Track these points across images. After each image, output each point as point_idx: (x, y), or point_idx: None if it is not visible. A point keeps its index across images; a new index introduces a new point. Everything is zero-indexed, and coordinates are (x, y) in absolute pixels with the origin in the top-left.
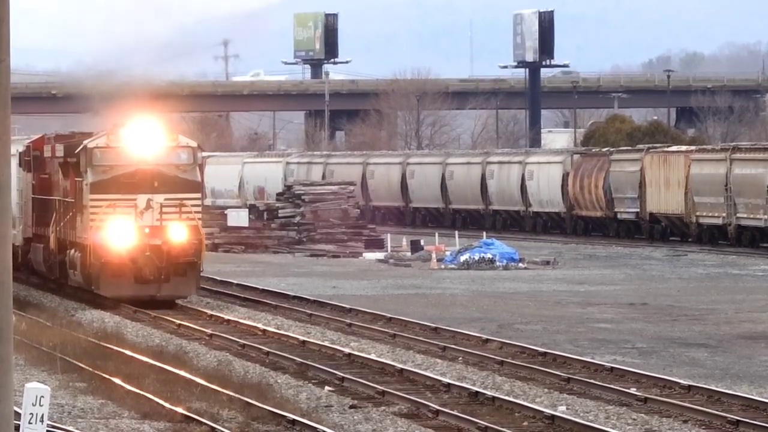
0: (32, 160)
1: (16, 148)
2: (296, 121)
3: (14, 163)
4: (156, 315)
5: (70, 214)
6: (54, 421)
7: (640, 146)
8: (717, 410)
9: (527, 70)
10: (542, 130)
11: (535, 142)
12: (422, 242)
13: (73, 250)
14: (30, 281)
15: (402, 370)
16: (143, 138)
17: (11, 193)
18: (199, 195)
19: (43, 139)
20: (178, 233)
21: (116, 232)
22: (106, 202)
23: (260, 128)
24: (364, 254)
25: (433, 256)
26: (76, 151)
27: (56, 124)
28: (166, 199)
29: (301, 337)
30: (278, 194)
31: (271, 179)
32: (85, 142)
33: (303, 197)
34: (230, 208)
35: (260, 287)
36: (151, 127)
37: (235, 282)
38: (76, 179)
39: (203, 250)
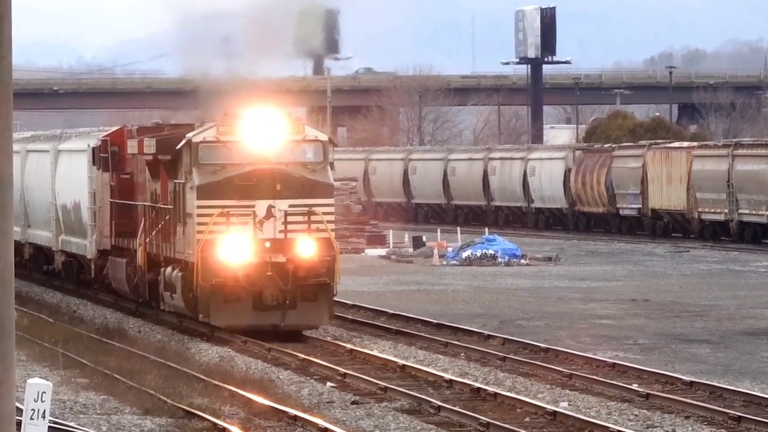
0: (110, 157)
1: (87, 142)
2: None
3: (85, 159)
4: (157, 311)
5: (163, 222)
6: (56, 417)
7: (642, 142)
8: (719, 406)
9: (529, 66)
10: (544, 126)
11: (537, 138)
12: (424, 238)
13: (169, 269)
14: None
15: (404, 366)
16: (261, 130)
17: (50, 192)
18: (331, 200)
19: (122, 132)
20: (307, 248)
21: (230, 247)
22: (217, 210)
23: None
24: (366, 250)
25: (435, 252)
26: (177, 147)
27: (57, 120)
28: (291, 206)
29: (303, 333)
30: None
31: None
32: (188, 135)
33: None
34: None
35: None
36: (271, 118)
37: None
38: (175, 181)
39: (338, 269)
